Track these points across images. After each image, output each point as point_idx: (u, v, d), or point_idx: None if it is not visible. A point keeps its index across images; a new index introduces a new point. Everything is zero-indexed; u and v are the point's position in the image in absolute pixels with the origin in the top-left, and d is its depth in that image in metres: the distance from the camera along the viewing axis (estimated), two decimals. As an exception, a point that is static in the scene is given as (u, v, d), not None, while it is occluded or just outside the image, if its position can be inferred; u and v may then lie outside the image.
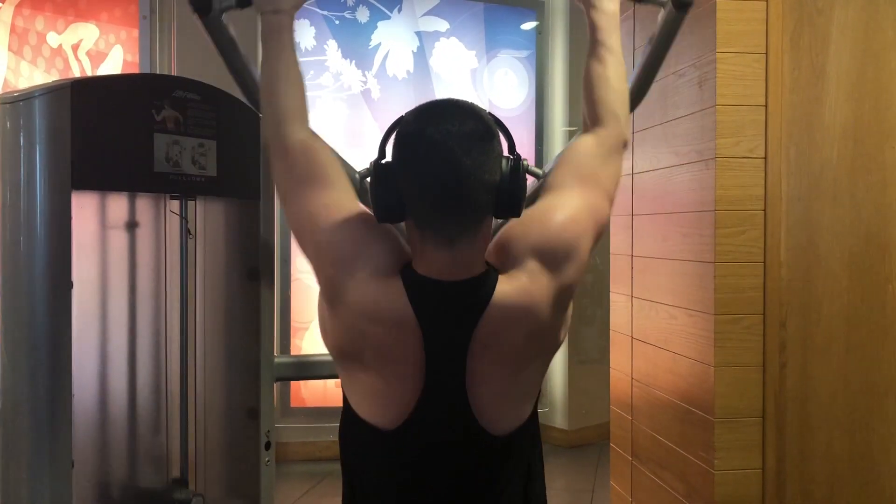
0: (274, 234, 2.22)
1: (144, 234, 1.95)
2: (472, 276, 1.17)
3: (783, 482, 2.10)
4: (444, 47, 4.81)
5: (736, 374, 2.09)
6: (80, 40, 4.64)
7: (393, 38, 4.73)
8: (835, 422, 2.10)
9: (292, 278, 4.61)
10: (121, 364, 1.93)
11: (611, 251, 2.83)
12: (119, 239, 1.89)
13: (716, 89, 2.08)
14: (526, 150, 4.90)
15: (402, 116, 1.20)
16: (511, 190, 1.17)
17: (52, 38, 4.60)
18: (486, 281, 1.17)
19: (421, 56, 4.76)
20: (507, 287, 1.16)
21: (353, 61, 4.67)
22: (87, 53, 4.57)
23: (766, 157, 2.10)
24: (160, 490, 2.00)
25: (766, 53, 2.10)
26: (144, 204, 1.96)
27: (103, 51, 4.62)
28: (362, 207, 1.23)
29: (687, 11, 1.49)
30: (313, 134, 1.31)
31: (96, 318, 1.85)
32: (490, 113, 1.20)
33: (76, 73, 4.36)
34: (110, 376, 1.91)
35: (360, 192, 1.80)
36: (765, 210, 2.10)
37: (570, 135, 5.03)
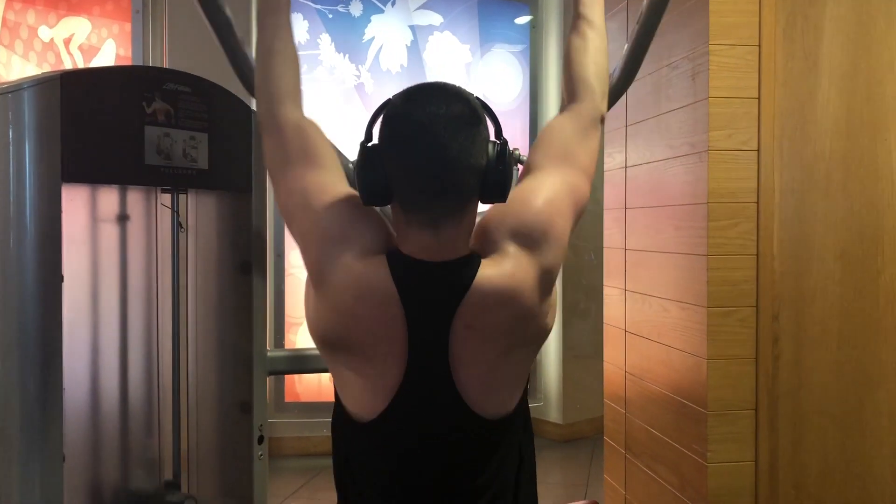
0: (266, 228, 2.21)
1: (135, 227, 1.94)
2: (456, 258, 1.17)
3: (776, 474, 2.11)
4: (438, 41, 4.80)
5: (729, 367, 2.09)
6: (72, 34, 4.62)
7: (387, 31, 4.71)
8: (827, 414, 2.10)
9: (286, 273, 4.60)
10: (112, 358, 1.92)
11: (604, 245, 2.83)
12: (110, 232, 1.88)
13: (709, 81, 2.08)
14: (520, 144, 4.89)
15: (389, 99, 1.20)
16: (497, 174, 1.18)
17: (44, 32, 4.57)
18: (470, 263, 1.17)
19: (415, 50, 4.75)
20: (490, 270, 1.16)
21: (347, 55, 4.65)
22: (80, 48, 4.54)
23: (758, 150, 2.10)
24: (152, 492, 2.00)
25: (759, 46, 2.10)
26: (135, 197, 1.95)
27: (95, 45, 4.59)
28: (351, 190, 1.23)
29: None
30: (306, 116, 1.31)
31: (87, 312, 1.84)
32: (477, 97, 1.20)
33: (68, 68, 4.33)
34: (101, 371, 1.90)
35: (352, 181, 1.80)
36: (758, 203, 2.10)
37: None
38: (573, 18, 1.41)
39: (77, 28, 4.62)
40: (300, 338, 4.59)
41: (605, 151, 2.80)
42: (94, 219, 1.85)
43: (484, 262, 1.17)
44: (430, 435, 1.19)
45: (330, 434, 1.29)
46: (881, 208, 2.08)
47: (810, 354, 2.10)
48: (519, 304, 1.17)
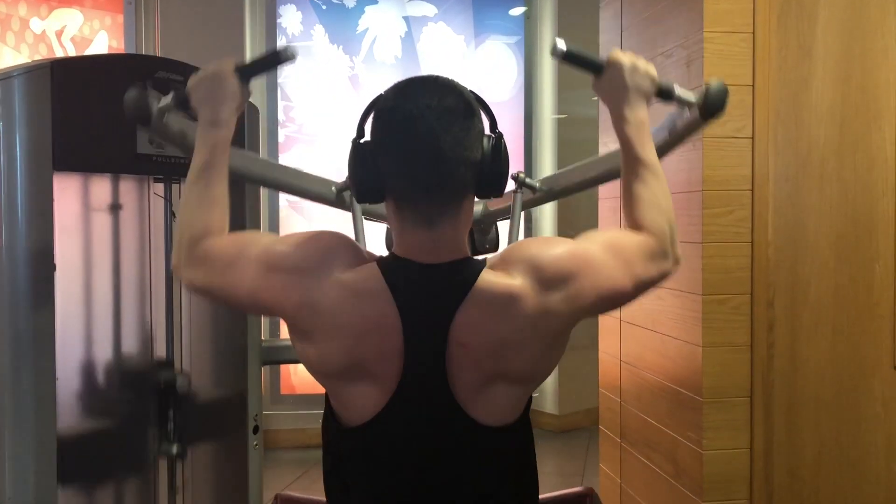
0: (260, 217, 2.20)
1: (128, 216, 1.93)
2: (453, 260, 1.15)
3: (770, 461, 2.11)
4: (432, 32, 4.78)
5: (723, 355, 2.09)
6: (64, 26, 4.59)
7: (380, 22, 4.70)
8: (822, 401, 2.11)
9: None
10: (105, 347, 1.91)
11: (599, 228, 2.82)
12: (103, 222, 1.88)
13: (703, 69, 2.07)
14: (515, 138, 4.88)
15: (379, 94, 1.18)
16: (493, 168, 1.16)
17: (36, 24, 4.54)
18: (469, 266, 1.15)
19: (409, 41, 4.74)
20: (492, 277, 1.14)
21: (341, 47, 4.64)
22: (72, 39, 4.52)
23: (753, 138, 2.09)
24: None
25: (753, 33, 2.09)
26: (128, 186, 1.94)
27: (88, 37, 4.57)
28: (309, 233, 1.20)
29: (712, 120, 1.45)
30: None
31: (80, 301, 1.83)
32: (471, 91, 1.18)
33: (60, 59, 4.31)
34: (94, 360, 1.90)
35: (337, 203, 1.78)
36: (752, 190, 2.10)
37: (560, 123, 5.02)
38: (625, 159, 1.30)
39: (69, 20, 4.60)
40: (295, 330, 4.59)
41: (601, 141, 2.80)
42: (87, 208, 1.84)
43: (487, 269, 1.15)
44: (424, 438, 1.16)
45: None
46: (876, 195, 2.07)
47: (805, 341, 2.11)
48: (516, 321, 1.12)
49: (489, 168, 1.16)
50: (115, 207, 1.90)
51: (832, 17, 2.07)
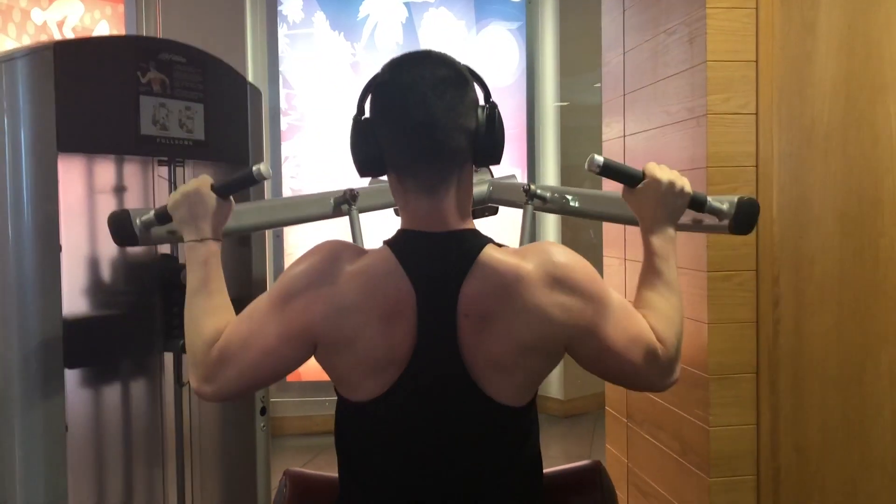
0: (264, 199, 2.20)
1: (132, 198, 1.93)
2: (456, 229, 1.17)
3: (777, 437, 2.11)
4: (433, 17, 4.77)
5: (729, 331, 2.09)
6: (65, 17, 4.58)
7: (381, 9, 4.69)
8: (828, 377, 2.10)
9: (284, 253, 4.59)
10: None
11: (604, 253, 2.82)
12: (107, 203, 1.88)
13: (706, 45, 2.07)
14: (518, 124, 4.87)
15: (376, 73, 1.20)
16: (489, 136, 1.17)
17: (37, 15, 4.54)
18: (475, 238, 1.17)
19: (410, 27, 4.73)
20: (499, 254, 1.15)
21: (342, 33, 4.63)
22: (73, 30, 4.52)
23: (756, 113, 2.09)
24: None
25: (756, 8, 2.08)
26: (132, 169, 1.94)
27: (89, 27, 4.56)
28: (303, 255, 1.21)
29: (739, 234, 1.46)
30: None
31: (86, 281, 1.83)
32: (465, 64, 1.20)
33: (62, 49, 4.31)
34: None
35: (335, 214, 1.78)
36: (756, 166, 2.10)
37: (562, 110, 5.00)
38: (645, 266, 1.31)
39: (70, 10, 4.59)
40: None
41: (603, 121, 2.79)
42: (92, 190, 1.84)
43: (492, 244, 1.16)
44: (434, 410, 1.17)
45: (332, 413, 1.26)
46: (880, 171, 2.07)
47: (811, 317, 2.10)
48: (521, 300, 1.13)
49: (485, 136, 1.18)
50: (119, 189, 1.90)
51: (835, -9, 2.06)
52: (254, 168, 1.31)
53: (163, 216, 1.37)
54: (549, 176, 4.99)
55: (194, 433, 2.06)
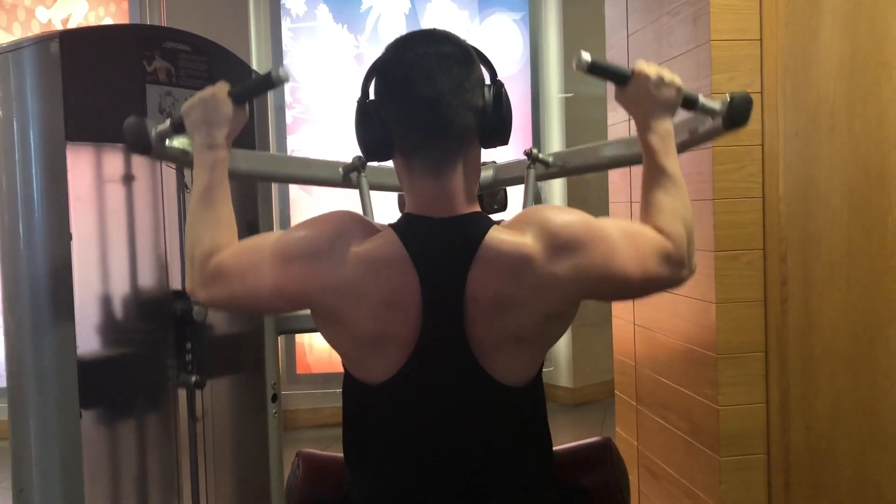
0: (272, 202, 2.21)
1: (141, 187, 1.94)
2: (461, 213, 1.16)
3: (787, 415, 2.11)
4: (437, 8, 4.77)
5: (737, 310, 2.09)
6: (70, 14, 4.61)
7: (384, 0, 4.69)
8: (837, 355, 2.10)
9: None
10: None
11: (609, 199, 2.82)
12: (116, 192, 1.89)
13: (710, 24, 2.06)
14: (522, 114, 4.87)
15: (380, 55, 1.19)
16: (496, 115, 1.16)
17: (41, 13, 4.56)
18: (478, 221, 1.16)
19: (413, 18, 4.73)
20: (502, 234, 1.14)
21: (345, 25, 4.63)
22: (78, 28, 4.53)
23: (762, 92, 2.08)
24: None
25: (760, -14, 2.08)
26: (140, 158, 1.95)
27: (93, 24, 4.58)
28: (315, 218, 1.21)
29: (735, 130, 1.45)
30: None
31: (97, 270, 1.84)
32: (470, 44, 1.19)
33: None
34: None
35: (345, 184, 1.78)
36: (762, 145, 2.09)
37: (566, 102, 4.99)
38: (646, 168, 1.30)
39: (74, 8, 4.61)
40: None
41: (608, 105, 2.79)
42: (100, 179, 1.85)
43: (496, 226, 1.16)
44: (442, 394, 1.17)
45: (341, 405, 1.26)
46: (887, 148, 2.07)
47: (819, 295, 2.10)
48: (527, 280, 1.13)
49: (492, 115, 1.17)
50: (128, 178, 1.91)
51: (839, -32, 2.06)
52: (272, 71, 1.28)
53: (179, 125, 1.34)
54: (555, 165, 4.96)
55: (209, 465, 2.07)
